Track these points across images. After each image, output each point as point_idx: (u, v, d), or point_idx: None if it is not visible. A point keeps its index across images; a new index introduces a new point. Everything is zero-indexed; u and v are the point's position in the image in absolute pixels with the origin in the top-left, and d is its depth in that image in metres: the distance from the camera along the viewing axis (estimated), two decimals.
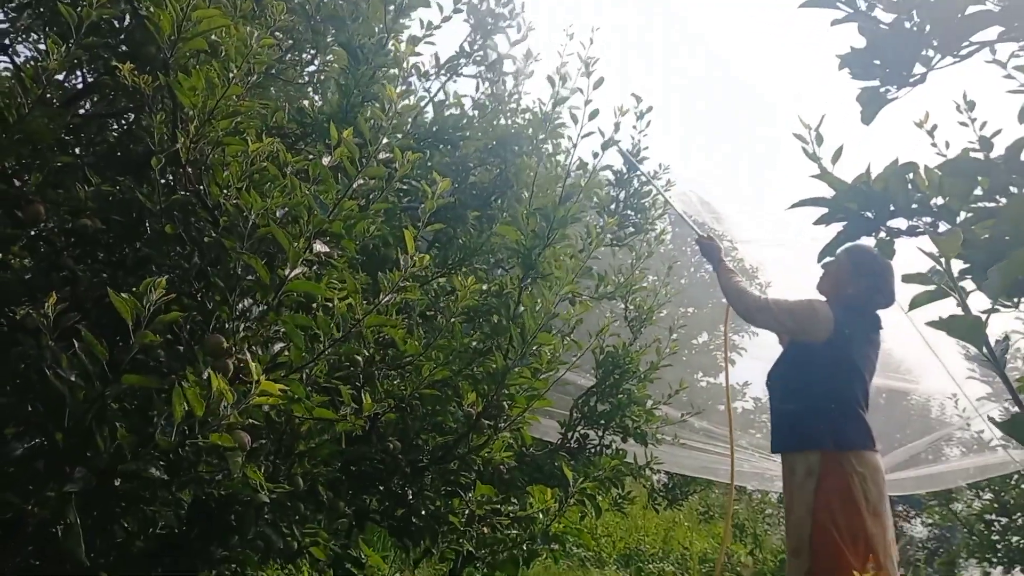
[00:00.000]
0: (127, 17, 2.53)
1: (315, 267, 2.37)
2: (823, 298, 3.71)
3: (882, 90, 1.79)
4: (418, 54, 3.25)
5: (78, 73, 2.72)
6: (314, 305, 2.35)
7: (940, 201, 1.74)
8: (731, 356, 24.00)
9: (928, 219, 1.76)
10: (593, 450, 4.37)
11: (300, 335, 2.18)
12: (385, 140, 2.30)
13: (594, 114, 3.32)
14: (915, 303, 1.16)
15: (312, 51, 3.49)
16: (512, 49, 4.16)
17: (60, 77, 2.50)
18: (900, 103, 1.85)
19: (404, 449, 3.08)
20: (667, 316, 5.15)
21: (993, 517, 8.73)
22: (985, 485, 9.03)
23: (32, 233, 2.29)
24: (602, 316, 4.79)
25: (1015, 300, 1.67)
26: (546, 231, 3.27)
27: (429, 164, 3.79)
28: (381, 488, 3.09)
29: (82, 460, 1.75)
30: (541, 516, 3.18)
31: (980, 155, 2.02)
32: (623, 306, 4.64)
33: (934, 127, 2.26)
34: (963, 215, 1.73)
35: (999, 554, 8.45)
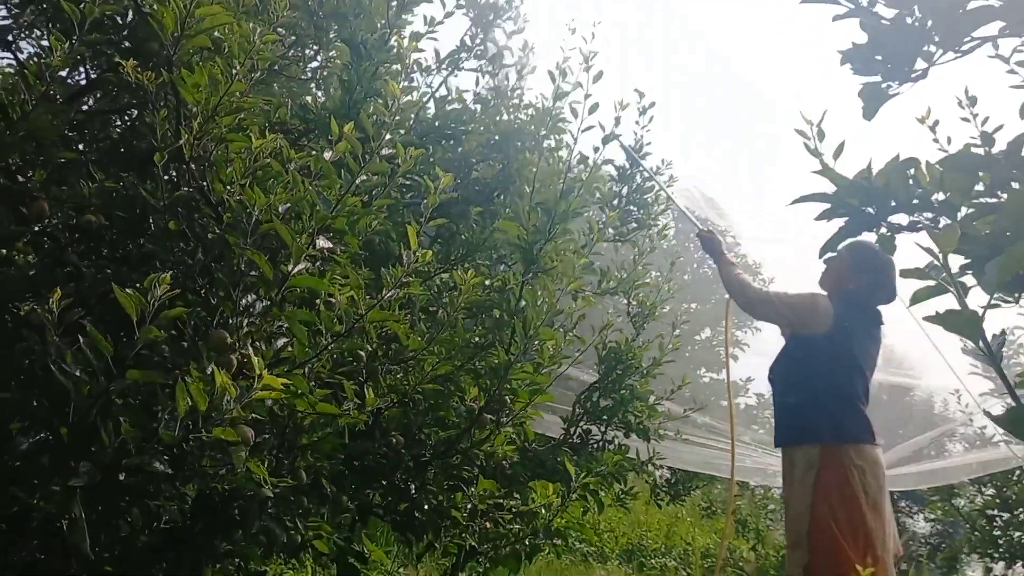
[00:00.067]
0: (130, 13, 2.53)
1: (318, 263, 2.38)
2: (825, 293, 3.72)
3: (884, 86, 1.79)
4: (420, 50, 3.26)
5: (81, 69, 2.73)
6: (317, 301, 2.36)
7: (941, 197, 1.74)
8: (734, 352, 24.03)
9: (929, 215, 1.77)
10: (596, 445, 4.38)
11: (303, 330, 2.19)
12: (388, 136, 2.31)
13: (594, 108, 3.33)
14: (916, 298, 1.16)
15: (315, 47, 3.49)
16: (510, 40, 4.17)
17: (63, 73, 2.51)
18: (902, 99, 1.86)
19: (407, 444, 3.09)
20: (670, 312, 5.15)
21: (995, 513, 8.73)
22: (987, 481, 9.03)
23: (36, 229, 2.30)
24: (605, 312, 4.80)
25: (1016, 295, 1.67)
26: (547, 225, 3.28)
27: (432, 159, 3.79)
28: (384, 483, 3.10)
29: (87, 455, 1.76)
30: (543, 511, 3.19)
31: (982, 150, 2.02)
32: (626, 302, 4.64)
33: (936, 123, 2.26)
34: (964, 210, 1.73)
35: (1001, 549, 8.45)
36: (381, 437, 3.01)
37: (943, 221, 1.72)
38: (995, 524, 8.68)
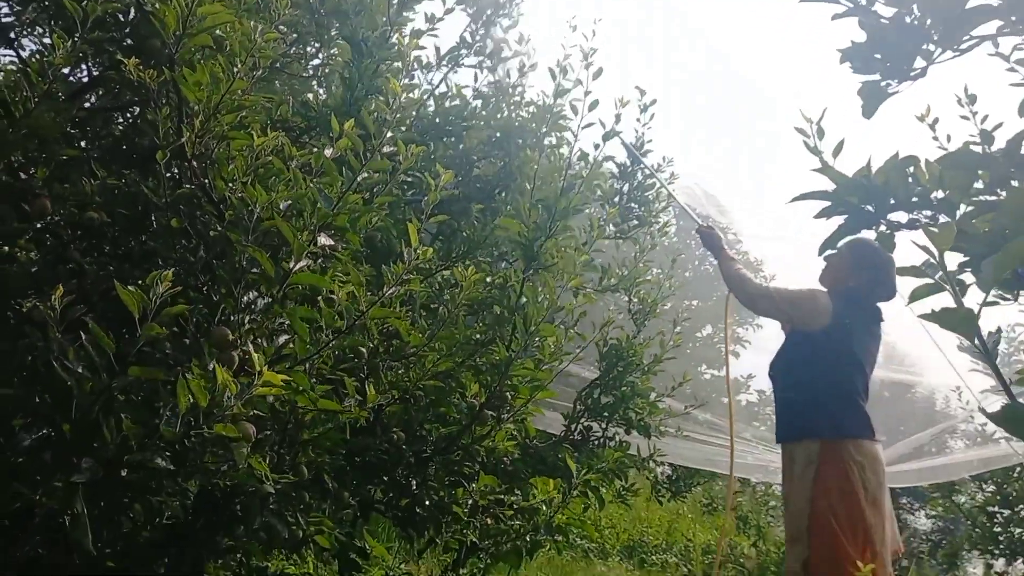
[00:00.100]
0: (131, 11, 2.54)
1: (320, 260, 2.39)
2: (825, 290, 3.73)
3: (883, 84, 1.79)
4: (421, 47, 3.26)
5: (83, 67, 2.74)
6: (318, 298, 2.37)
7: (941, 194, 1.75)
8: (735, 349, 24.04)
9: (928, 212, 1.78)
10: (597, 442, 4.39)
11: (305, 327, 2.20)
12: (389, 134, 2.31)
13: (594, 105, 3.33)
14: (915, 296, 1.17)
15: (316, 45, 3.50)
16: (507, 33, 4.17)
17: (65, 71, 2.52)
18: (903, 98, 1.86)
19: (408, 440, 3.10)
20: (671, 309, 5.16)
21: (996, 509, 8.74)
22: (988, 477, 9.04)
23: (39, 226, 2.31)
24: (606, 309, 4.81)
25: (1014, 293, 1.68)
26: (548, 222, 3.28)
27: (433, 156, 3.80)
28: (385, 479, 3.11)
29: (89, 451, 1.77)
30: (544, 507, 3.20)
31: (981, 148, 2.03)
32: (627, 299, 4.65)
33: (935, 121, 2.26)
34: (964, 208, 1.74)
35: (1001, 546, 8.46)
36: (382, 433, 3.02)
37: (942, 219, 1.73)
38: (996, 520, 8.69)
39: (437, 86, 4.08)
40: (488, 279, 3.58)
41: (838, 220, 1.89)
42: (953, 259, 1.71)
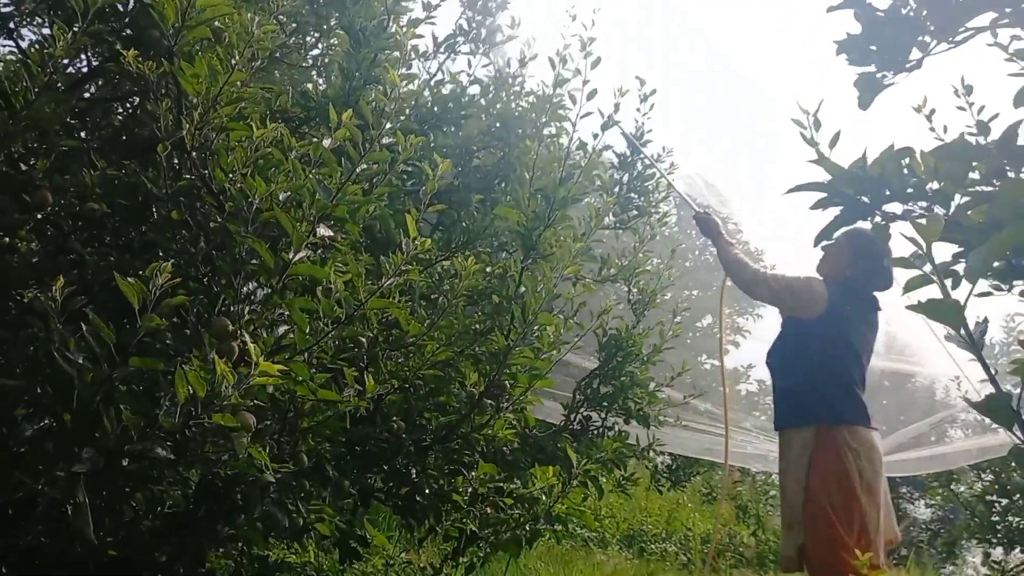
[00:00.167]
0: (131, 1, 2.54)
1: (319, 251, 2.39)
2: (821, 278, 3.74)
3: (879, 76, 1.80)
4: (419, 36, 3.26)
5: (83, 57, 2.74)
6: (318, 288, 2.38)
7: (936, 186, 1.75)
8: (735, 338, 24.04)
9: (924, 204, 1.78)
10: (596, 432, 4.40)
11: (304, 318, 2.21)
12: (388, 124, 2.32)
13: (592, 94, 3.32)
14: (909, 287, 1.18)
15: (315, 35, 3.50)
16: (498, 17, 4.19)
17: (65, 62, 2.53)
18: (900, 90, 1.87)
19: (408, 429, 3.11)
20: (670, 299, 5.16)
21: (994, 498, 8.76)
22: (986, 466, 9.07)
23: (39, 217, 2.32)
24: (606, 299, 4.81)
25: (1008, 283, 1.69)
26: (547, 212, 3.29)
27: (432, 146, 3.81)
28: (385, 467, 3.12)
29: (90, 441, 1.78)
30: (544, 497, 3.21)
31: (978, 139, 2.04)
32: (626, 289, 4.65)
33: (932, 112, 2.27)
34: (959, 199, 1.75)
35: (999, 534, 8.49)
36: (382, 422, 3.04)
37: (937, 210, 1.74)
38: (994, 510, 8.71)
39: (435, 75, 4.09)
40: (487, 269, 3.59)
41: (835, 212, 1.89)
42: (948, 250, 1.72)
